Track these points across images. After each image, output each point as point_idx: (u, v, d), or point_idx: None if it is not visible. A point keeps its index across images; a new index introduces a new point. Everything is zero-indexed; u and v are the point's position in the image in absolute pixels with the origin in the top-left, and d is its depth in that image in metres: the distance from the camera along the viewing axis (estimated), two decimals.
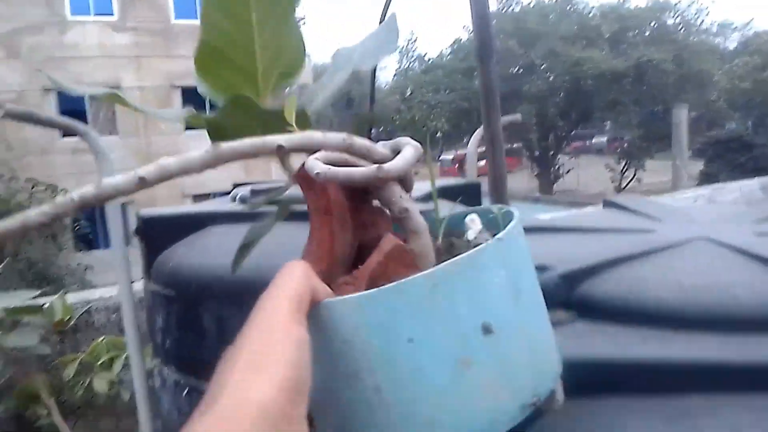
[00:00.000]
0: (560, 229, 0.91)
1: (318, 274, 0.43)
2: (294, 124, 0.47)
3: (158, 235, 1.85)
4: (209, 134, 0.46)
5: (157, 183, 0.37)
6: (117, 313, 3.34)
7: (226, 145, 0.38)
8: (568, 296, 0.66)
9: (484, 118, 1.81)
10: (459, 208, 0.55)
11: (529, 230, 1.00)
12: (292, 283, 0.40)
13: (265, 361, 0.35)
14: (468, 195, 2.33)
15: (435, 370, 0.40)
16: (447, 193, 2.30)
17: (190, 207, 2.14)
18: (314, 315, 0.41)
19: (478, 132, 2.53)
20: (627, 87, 20.72)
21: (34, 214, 0.37)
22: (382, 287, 0.40)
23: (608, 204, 1.07)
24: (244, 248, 0.57)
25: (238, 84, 0.48)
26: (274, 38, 0.48)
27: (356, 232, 0.49)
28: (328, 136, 0.42)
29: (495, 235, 0.46)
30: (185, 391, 1.78)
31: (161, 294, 1.78)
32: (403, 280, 0.40)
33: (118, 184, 0.36)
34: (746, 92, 21.19)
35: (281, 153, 0.41)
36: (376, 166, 0.42)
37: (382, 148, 0.45)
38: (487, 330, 0.41)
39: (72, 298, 3.31)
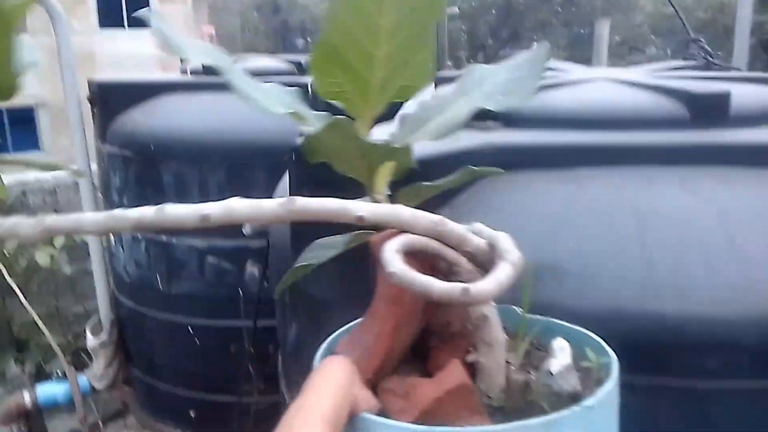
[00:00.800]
0: None
1: (366, 371, 0.39)
2: (382, 192, 0.43)
3: (112, 101, 1.94)
4: (304, 147, 0.43)
5: (221, 224, 0.35)
6: (53, 195, 3.37)
7: (302, 203, 0.35)
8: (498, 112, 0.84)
9: None
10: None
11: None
12: (331, 393, 0.35)
13: None
14: None
15: None
16: None
17: (142, 76, 2.20)
18: (350, 425, 0.37)
19: None
20: (557, 7, 20.96)
21: (88, 220, 0.35)
22: (434, 428, 0.35)
23: None
24: (300, 269, 0.50)
25: (351, 90, 0.43)
26: (405, 48, 0.42)
27: (423, 315, 0.43)
28: (417, 217, 0.36)
29: (582, 371, 0.41)
30: (143, 245, 1.92)
31: (119, 155, 1.89)
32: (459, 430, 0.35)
33: (181, 216, 0.35)
34: (669, 17, 21.80)
35: (361, 224, 0.37)
36: (463, 288, 0.35)
37: (476, 239, 0.39)
38: None
39: (6, 179, 3.30)
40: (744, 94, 0.85)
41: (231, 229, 1.87)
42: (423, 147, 0.74)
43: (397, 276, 0.35)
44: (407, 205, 0.39)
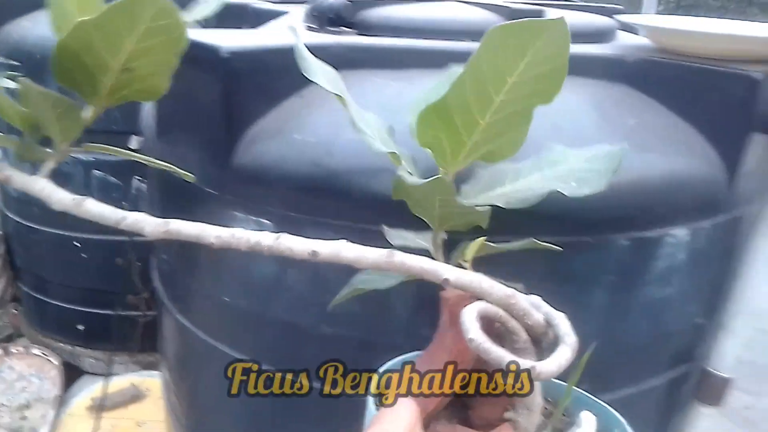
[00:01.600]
0: None
1: (422, 412, 0.42)
2: (468, 261, 0.46)
3: (0, 8, 1.89)
4: (394, 188, 0.47)
5: (327, 261, 0.38)
6: None
7: (400, 258, 0.39)
8: (353, 19, 0.93)
9: None
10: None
11: None
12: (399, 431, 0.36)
13: None
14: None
15: None
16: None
17: None
18: None
19: None
20: None
21: (212, 232, 0.40)
22: None
23: None
24: (353, 291, 0.52)
25: (446, 146, 0.47)
26: (506, 122, 0.46)
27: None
28: (495, 288, 0.39)
29: None
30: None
31: (4, 65, 1.85)
32: None
33: (294, 248, 0.38)
34: None
35: (445, 285, 0.40)
36: (531, 365, 0.37)
37: (537, 314, 0.42)
38: None
39: None
40: (574, 18, 0.98)
41: (117, 142, 1.88)
42: (274, 38, 0.81)
43: (475, 343, 0.38)
44: (469, 256, 0.46)
